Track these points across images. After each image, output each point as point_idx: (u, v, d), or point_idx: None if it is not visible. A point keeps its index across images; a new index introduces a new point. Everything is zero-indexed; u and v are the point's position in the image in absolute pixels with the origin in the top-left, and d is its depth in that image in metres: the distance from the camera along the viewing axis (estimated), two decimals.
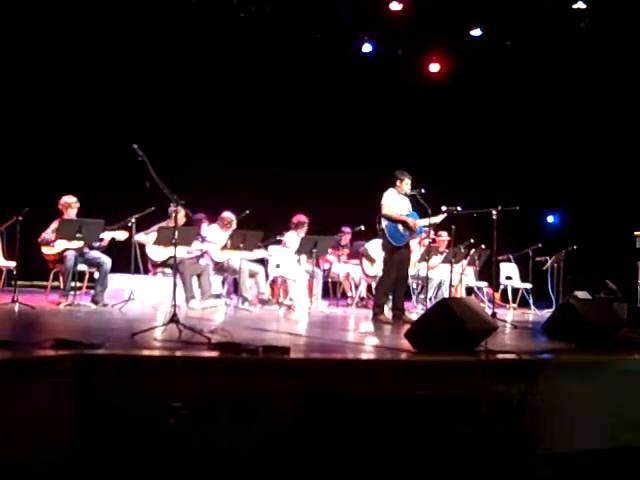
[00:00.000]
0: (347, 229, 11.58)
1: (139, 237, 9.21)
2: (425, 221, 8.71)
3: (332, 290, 11.82)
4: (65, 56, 11.41)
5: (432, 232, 9.39)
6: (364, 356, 5.58)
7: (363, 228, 11.14)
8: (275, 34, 12.24)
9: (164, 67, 12.05)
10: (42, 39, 11.18)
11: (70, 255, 8.54)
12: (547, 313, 10.35)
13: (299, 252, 10.08)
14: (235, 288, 10.12)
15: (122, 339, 5.47)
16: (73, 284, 8.57)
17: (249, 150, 12.68)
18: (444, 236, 11.34)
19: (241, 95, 12.59)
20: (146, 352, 4.90)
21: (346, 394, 4.58)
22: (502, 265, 12.38)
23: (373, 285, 10.38)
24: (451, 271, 9.39)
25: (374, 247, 10.46)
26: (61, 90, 11.48)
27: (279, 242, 10.60)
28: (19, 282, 8.43)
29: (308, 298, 10.34)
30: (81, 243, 8.53)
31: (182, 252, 9.00)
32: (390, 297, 8.88)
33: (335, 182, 12.79)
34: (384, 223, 8.50)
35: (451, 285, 9.73)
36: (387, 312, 8.78)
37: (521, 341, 7.31)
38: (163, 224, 9.23)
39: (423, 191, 8.62)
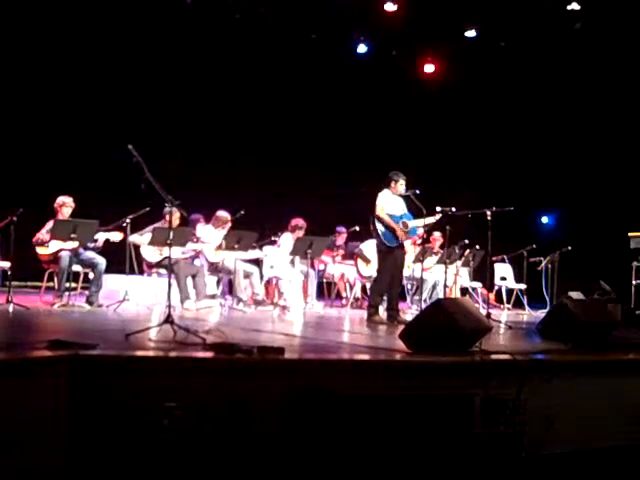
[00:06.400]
0: (342, 229, 11.58)
1: (134, 238, 9.20)
2: (420, 222, 8.72)
3: (327, 291, 11.82)
4: (61, 56, 11.41)
5: (422, 231, 9.37)
6: (359, 357, 5.57)
7: (358, 229, 11.14)
8: (270, 35, 12.24)
9: (160, 68, 12.05)
10: (40, 40, 11.17)
11: (65, 255, 8.54)
12: (541, 314, 10.40)
13: (294, 253, 10.08)
14: (230, 289, 10.13)
15: (117, 340, 5.47)
16: (68, 285, 8.57)
17: (244, 151, 12.70)
18: (437, 235, 11.37)
19: (237, 96, 12.59)
20: (141, 353, 4.90)
21: (340, 395, 4.58)
22: (496, 266, 12.40)
23: (368, 286, 10.39)
24: (445, 272, 9.40)
25: (369, 248, 10.46)
26: (57, 91, 11.47)
27: (274, 243, 10.60)
28: (13, 282, 8.42)
29: (302, 299, 10.34)
30: (76, 243, 8.52)
31: (177, 253, 9.00)
32: (385, 298, 8.89)
33: (330, 182, 12.81)
34: (378, 224, 8.51)
35: (446, 286, 9.73)
36: (382, 313, 8.78)
37: (515, 342, 7.32)
38: (158, 225, 9.22)
39: (417, 192, 8.62)
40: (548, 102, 13.75)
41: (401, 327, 6.32)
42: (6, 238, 8.19)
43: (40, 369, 4.20)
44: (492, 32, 12.85)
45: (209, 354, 4.84)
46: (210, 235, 9.86)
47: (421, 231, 9.34)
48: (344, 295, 11.72)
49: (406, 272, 9.81)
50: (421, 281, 10.18)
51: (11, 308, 7.81)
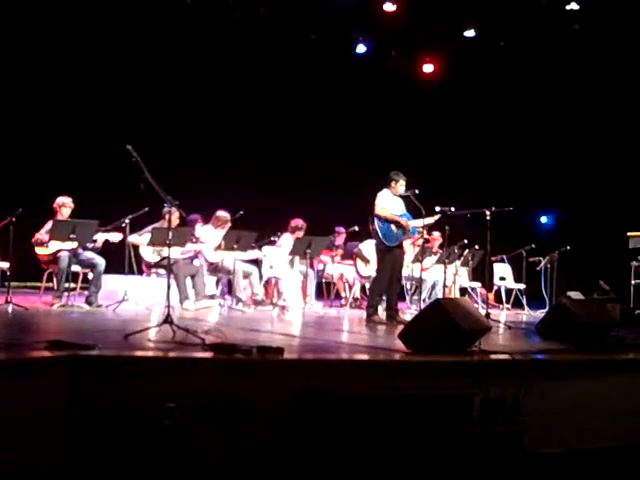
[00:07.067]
0: (341, 229, 11.57)
1: (133, 238, 9.20)
2: (419, 222, 8.72)
3: (326, 291, 11.82)
4: (61, 57, 11.39)
5: (425, 232, 9.38)
6: (358, 357, 5.58)
7: (357, 229, 11.14)
8: (270, 35, 12.24)
9: (159, 67, 12.04)
10: (40, 40, 11.16)
11: (64, 256, 8.53)
12: (540, 313, 10.40)
13: (293, 253, 10.08)
14: (229, 289, 10.12)
15: (116, 340, 5.47)
16: (67, 285, 8.56)
17: (243, 151, 12.69)
18: (436, 235, 11.36)
19: (236, 96, 12.59)
20: (140, 353, 4.91)
21: (340, 395, 4.58)
22: (496, 266, 12.40)
23: (367, 286, 10.39)
24: (445, 272, 9.40)
25: (368, 248, 10.46)
26: (56, 91, 11.45)
27: (273, 243, 10.60)
28: (12, 283, 8.41)
29: (302, 299, 10.34)
30: (75, 244, 8.51)
31: (176, 253, 9.00)
32: (384, 298, 8.89)
33: (329, 182, 12.80)
34: (377, 223, 8.51)
35: (445, 286, 9.73)
36: (381, 313, 8.77)
37: (514, 341, 7.32)
38: (157, 225, 9.22)
39: (417, 192, 8.63)
40: (547, 102, 13.75)
41: (400, 327, 6.33)
42: (5, 238, 8.18)
43: (39, 369, 4.20)
44: (491, 32, 12.85)
45: (208, 354, 4.84)
46: (209, 235, 9.86)
47: (425, 233, 9.36)
48: (343, 295, 11.72)
49: (405, 272, 9.81)
50: (420, 281, 10.18)
51: (10, 308, 7.80)
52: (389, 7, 12.10)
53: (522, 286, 12.30)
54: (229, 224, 9.98)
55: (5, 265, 8.65)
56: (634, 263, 10.46)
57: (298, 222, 10.62)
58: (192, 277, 9.37)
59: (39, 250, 8.74)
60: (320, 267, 11.40)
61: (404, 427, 4.61)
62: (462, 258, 11.36)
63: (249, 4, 11.89)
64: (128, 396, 4.24)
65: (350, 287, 11.57)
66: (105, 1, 11.27)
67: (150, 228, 9.16)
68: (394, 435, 4.56)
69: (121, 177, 6.43)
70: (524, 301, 12.19)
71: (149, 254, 9.29)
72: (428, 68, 13.92)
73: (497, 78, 13.58)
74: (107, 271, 9.02)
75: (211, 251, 9.72)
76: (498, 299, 12.59)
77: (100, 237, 8.81)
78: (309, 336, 6.96)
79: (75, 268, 8.88)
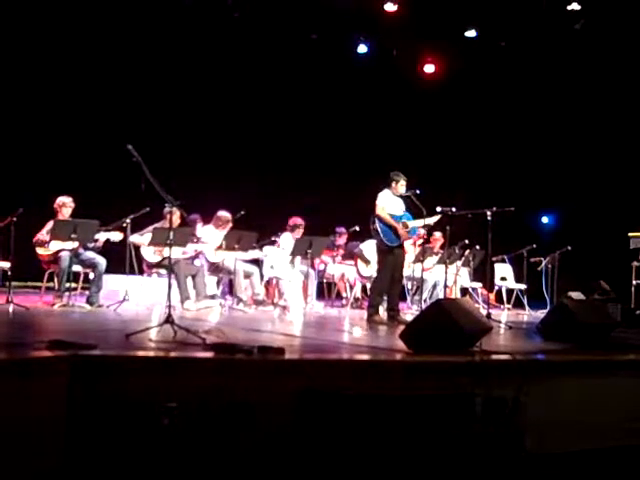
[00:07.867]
0: (342, 230, 11.57)
1: (134, 238, 9.20)
2: (420, 222, 8.72)
3: (327, 291, 11.81)
4: (61, 56, 11.41)
5: (425, 232, 9.38)
6: (359, 357, 5.57)
7: (358, 229, 11.14)
8: (270, 35, 12.25)
9: (159, 67, 12.05)
10: (40, 40, 11.17)
11: (65, 256, 8.54)
12: (541, 314, 10.39)
13: (294, 253, 10.08)
14: (230, 289, 10.13)
15: (117, 340, 5.47)
16: (68, 285, 8.57)
17: (244, 151, 12.69)
18: (437, 235, 11.35)
19: (236, 96, 12.59)
20: (141, 353, 4.90)
21: (341, 395, 4.58)
22: (497, 266, 12.40)
23: (368, 286, 10.39)
24: (446, 272, 9.40)
25: (369, 248, 10.46)
26: (57, 91, 11.46)
27: (274, 243, 10.60)
28: (13, 283, 8.41)
29: (303, 299, 10.34)
30: (76, 244, 8.52)
31: (177, 253, 9.00)
32: (385, 298, 8.89)
33: (330, 182, 12.80)
34: (378, 223, 8.51)
35: (446, 286, 9.73)
36: (382, 313, 8.78)
37: (515, 342, 7.31)
38: (158, 225, 9.22)
39: (418, 192, 8.63)
40: (548, 102, 13.76)
41: (401, 327, 6.33)
42: (6, 238, 8.19)
43: (40, 369, 4.19)
44: (492, 32, 12.85)
45: (209, 354, 4.84)
46: (211, 235, 9.86)
47: (422, 232, 9.32)
48: (344, 295, 11.71)
49: (406, 272, 9.80)
50: (421, 281, 10.18)
51: (11, 308, 7.81)
52: (390, 7, 12.11)
53: (523, 286, 12.30)
54: (230, 224, 9.99)
55: (6, 265, 8.66)
56: (635, 263, 10.45)
57: (297, 220, 10.63)
58: (193, 277, 9.38)
59: (40, 250, 8.75)
60: (321, 267, 11.40)
61: (405, 427, 4.60)
62: (463, 258, 11.35)
63: (249, 3, 11.89)
64: (128, 396, 4.24)
65: (351, 287, 11.57)
66: (105, 1, 11.27)
67: (151, 228, 9.17)
68: (395, 435, 4.55)
69: (122, 177, 6.44)
70: (525, 301, 12.18)
71: (150, 254, 9.29)
72: (429, 68, 13.93)
73: (498, 78, 13.58)
74: (108, 271, 9.03)
75: (212, 251, 9.72)
76: (499, 299, 12.59)
77: (101, 236, 8.81)
78: (310, 336, 6.95)
79: (76, 268, 8.89)
